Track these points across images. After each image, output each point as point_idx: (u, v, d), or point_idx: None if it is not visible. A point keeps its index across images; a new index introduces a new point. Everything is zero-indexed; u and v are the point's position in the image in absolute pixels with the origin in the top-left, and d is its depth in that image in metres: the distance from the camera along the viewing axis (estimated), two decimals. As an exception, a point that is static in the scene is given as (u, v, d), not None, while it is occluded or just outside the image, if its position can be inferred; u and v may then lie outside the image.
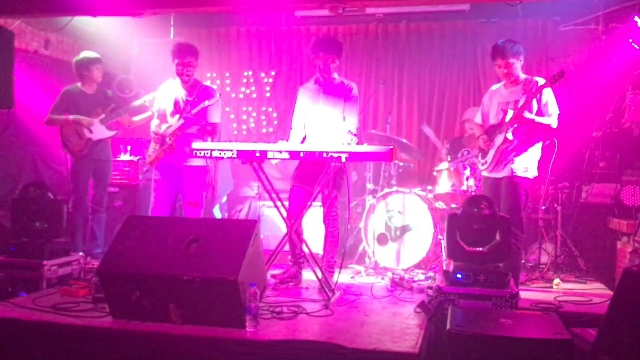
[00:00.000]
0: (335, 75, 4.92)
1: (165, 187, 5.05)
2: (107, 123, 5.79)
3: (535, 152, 4.66)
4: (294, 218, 4.55)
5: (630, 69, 5.81)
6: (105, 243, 5.77)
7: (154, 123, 5.15)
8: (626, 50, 5.82)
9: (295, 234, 4.53)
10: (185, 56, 4.94)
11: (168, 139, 4.94)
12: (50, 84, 6.63)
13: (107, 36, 7.18)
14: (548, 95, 4.54)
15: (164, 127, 4.99)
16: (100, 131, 5.76)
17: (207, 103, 4.87)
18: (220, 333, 3.39)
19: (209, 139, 5.02)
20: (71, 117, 5.69)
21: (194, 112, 4.88)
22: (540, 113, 4.54)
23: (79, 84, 5.85)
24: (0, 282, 4.31)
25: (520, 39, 6.71)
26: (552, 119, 4.54)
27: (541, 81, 4.56)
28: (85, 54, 5.89)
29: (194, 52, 5.00)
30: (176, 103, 5.03)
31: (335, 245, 4.85)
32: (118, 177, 6.28)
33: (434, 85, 7.34)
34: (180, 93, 5.05)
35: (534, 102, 4.52)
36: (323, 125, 4.83)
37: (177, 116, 4.95)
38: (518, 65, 4.61)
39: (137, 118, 5.90)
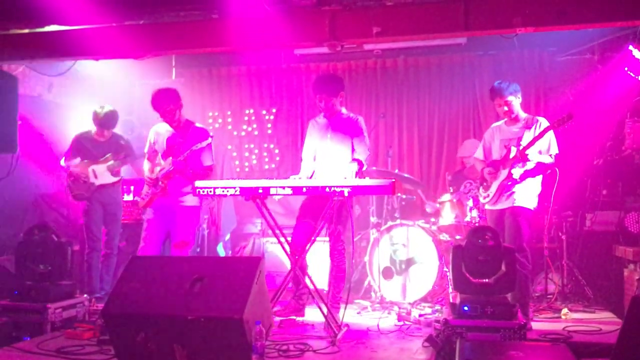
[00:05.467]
0: (343, 110, 4.97)
1: (156, 226, 4.94)
2: (114, 169, 5.83)
3: (535, 185, 4.75)
4: (298, 253, 4.53)
5: (627, 97, 5.88)
6: (111, 285, 5.75)
7: (146, 166, 5.09)
8: (622, 78, 5.90)
9: (299, 269, 4.50)
10: (160, 107, 4.86)
11: (161, 182, 4.87)
12: (53, 127, 6.69)
13: (109, 78, 7.29)
14: (550, 135, 4.62)
15: (157, 169, 4.94)
16: (104, 176, 5.81)
17: (196, 147, 4.74)
18: (227, 373, 3.36)
19: None
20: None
21: (182, 157, 4.75)
22: (540, 152, 4.63)
23: (93, 130, 5.92)
24: (4, 326, 4.27)
25: (517, 70, 6.87)
26: (551, 159, 4.65)
27: (543, 121, 4.65)
28: (112, 111, 5.91)
29: (170, 97, 4.88)
30: (168, 145, 4.96)
31: (341, 280, 4.81)
32: (122, 217, 6.29)
33: (433, 117, 7.40)
34: (172, 135, 4.98)
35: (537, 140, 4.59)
36: (331, 160, 4.86)
37: (170, 159, 4.86)
38: (516, 102, 4.73)
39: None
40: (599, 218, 5.85)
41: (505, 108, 4.73)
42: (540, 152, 4.62)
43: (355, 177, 4.59)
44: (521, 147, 4.56)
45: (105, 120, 5.86)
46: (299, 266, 4.49)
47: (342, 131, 4.88)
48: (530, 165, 4.57)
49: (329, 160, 4.88)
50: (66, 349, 3.85)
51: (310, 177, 4.93)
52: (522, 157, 4.53)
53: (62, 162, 5.87)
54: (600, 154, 6.13)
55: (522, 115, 4.81)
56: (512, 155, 4.61)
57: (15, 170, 5.41)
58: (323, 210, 4.44)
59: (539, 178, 4.74)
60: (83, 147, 5.86)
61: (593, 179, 6.14)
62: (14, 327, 4.36)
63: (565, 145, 5.10)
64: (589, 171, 6.19)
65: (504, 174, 4.67)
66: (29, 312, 4.48)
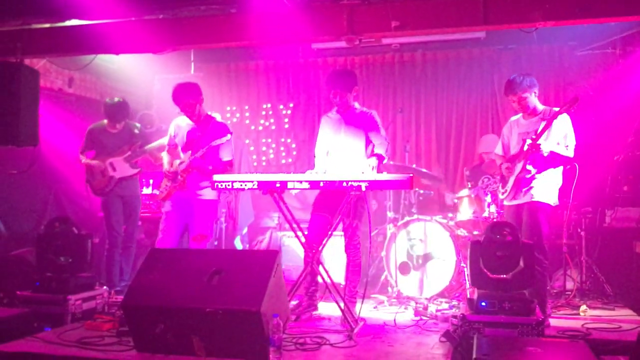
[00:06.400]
0: (356, 105, 4.95)
1: (174, 219, 4.95)
2: (132, 160, 5.84)
3: (555, 179, 4.65)
4: (314, 247, 4.53)
5: (650, 92, 5.79)
6: (130, 276, 5.81)
7: (165, 159, 5.12)
8: (644, 73, 5.81)
9: (315, 263, 4.51)
10: (181, 101, 4.85)
11: (179, 176, 4.87)
12: (73, 121, 6.78)
13: (128, 73, 7.35)
14: (567, 126, 4.55)
15: (177, 162, 4.95)
16: (123, 169, 5.84)
17: (214, 143, 4.75)
18: (244, 365, 3.38)
19: None
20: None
21: (200, 152, 4.76)
22: (558, 144, 4.55)
23: (105, 121, 5.95)
24: (26, 316, 4.34)
25: (537, 65, 6.80)
26: (568, 151, 4.56)
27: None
28: (123, 102, 5.96)
29: (190, 92, 4.87)
30: (188, 139, 4.97)
31: (357, 274, 4.82)
32: (140, 210, 6.34)
33: (452, 112, 7.37)
34: (192, 129, 4.99)
35: (553, 131, 4.52)
36: (345, 154, 4.85)
37: (189, 152, 4.87)
38: (531, 97, 4.66)
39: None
40: (619, 214, 5.78)
41: (518, 105, 4.67)
42: (558, 144, 4.56)
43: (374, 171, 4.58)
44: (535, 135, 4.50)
45: (116, 111, 5.89)
46: (316, 259, 4.50)
47: (356, 125, 4.86)
48: (543, 155, 4.50)
49: (343, 154, 4.87)
50: (86, 339, 3.89)
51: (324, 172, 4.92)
52: (534, 147, 4.46)
53: (81, 158, 5.91)
54: (621, 150, 6.05)
55: (540, 107, 4.72)
56: (525, 147, 4.54)
57: (36, 164, 5.48)
58: (338, 204, 4.44)
59: (559, 171, 4.66)
60: (97, 139, 5.89)
61: (613, 175, 6.06)
62: (35, 317, 4.41)
63: (586, 141, 5.04)
64: (609, 167, 6.11)
65: (519, 167, 4.61)
66: (50, 303, 4.54)
